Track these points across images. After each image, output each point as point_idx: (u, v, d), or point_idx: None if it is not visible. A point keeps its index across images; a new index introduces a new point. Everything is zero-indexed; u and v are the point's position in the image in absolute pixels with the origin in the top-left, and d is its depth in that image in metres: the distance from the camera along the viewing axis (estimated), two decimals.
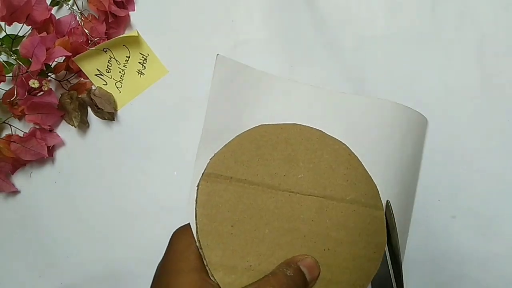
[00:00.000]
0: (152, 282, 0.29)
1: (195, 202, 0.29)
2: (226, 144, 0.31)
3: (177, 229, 0.30)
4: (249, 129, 0.31)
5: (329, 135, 0.31)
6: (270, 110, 0.31)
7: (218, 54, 0.30)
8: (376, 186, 0.31)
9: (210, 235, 0.29)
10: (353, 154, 0.31)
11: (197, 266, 0.28)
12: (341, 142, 0.31)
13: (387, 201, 0.31)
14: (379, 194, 0.31)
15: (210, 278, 0.28)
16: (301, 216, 0.30)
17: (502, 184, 0.43)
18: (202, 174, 0.31)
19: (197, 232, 0.29)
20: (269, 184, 0.30)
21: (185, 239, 0.29)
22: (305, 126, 0.31)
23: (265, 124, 0.31)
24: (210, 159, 0.31)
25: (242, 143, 0.31)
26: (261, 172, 0.30)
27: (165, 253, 0.29)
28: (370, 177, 0.31)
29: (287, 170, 0.30)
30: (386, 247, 0.31)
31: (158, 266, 0.29)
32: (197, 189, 0.30)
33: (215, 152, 0.31)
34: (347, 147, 0.31)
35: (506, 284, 0.41)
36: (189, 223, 0.29)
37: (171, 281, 0.27)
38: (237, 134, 0.31)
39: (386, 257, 0.31)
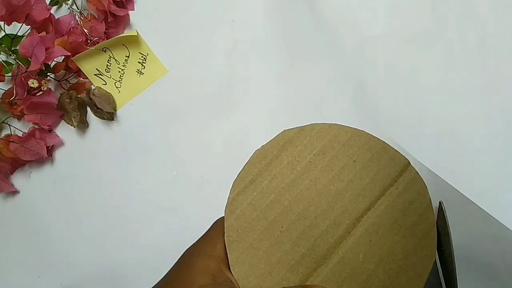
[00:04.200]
0: (182, 254, 0.30)
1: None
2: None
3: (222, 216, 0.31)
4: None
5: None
6: None
7: None
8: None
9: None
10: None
11: (220, 255, 0.29)
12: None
13: (439, 202, 0.30)
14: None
15: (229, 271, 0.28)
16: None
17: (502, 184, 0.43)
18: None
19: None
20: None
21: (222, 226, 0.30)
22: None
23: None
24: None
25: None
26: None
27: (204, 233, 0.30)
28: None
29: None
30: (437, 255, 0.29)
31: (194, 243, 0.30)
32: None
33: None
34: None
35: (506, 284, 0.41)
36: None
37: (191, 260, 0.28)
38: None
39: (437, 266, 0.30)
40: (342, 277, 0.28)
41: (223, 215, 0.30)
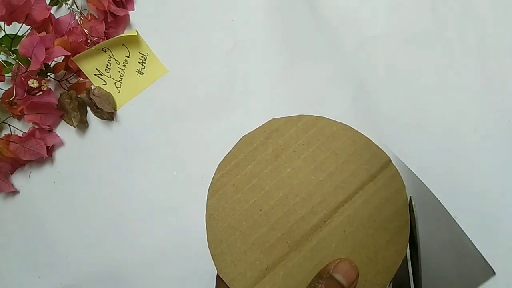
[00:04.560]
0: None
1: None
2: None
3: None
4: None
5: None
6: None
7: None
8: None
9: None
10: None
11: None
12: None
13: (410, 197, 0.30)
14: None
15: None
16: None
17: (502, 184, 0.43)
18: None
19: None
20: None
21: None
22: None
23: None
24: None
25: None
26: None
27: None
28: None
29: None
30: (408, 249, 0.30)
31: None
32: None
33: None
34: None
35: (506, 284, 0.41)
36: None
37: None
38: None
39: (406, 259, 0.30)
40: (314, 264, 0.29)
41: None
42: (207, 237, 0.30)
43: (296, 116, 0.32)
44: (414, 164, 0.43)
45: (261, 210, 0.30)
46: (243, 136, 0.32)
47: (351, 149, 0.31)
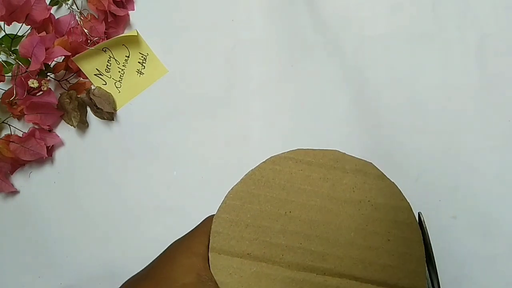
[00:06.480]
0: (166, 248, 0.30)
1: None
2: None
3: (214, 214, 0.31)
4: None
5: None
6: None
7: None
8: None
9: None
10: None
11: (206, 253, 0.28)
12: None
13: (418, 213, 0.29)
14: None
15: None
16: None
17: (502, 184, 0.43)
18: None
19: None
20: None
21: (210, 224, 0.30)
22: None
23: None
24: (331, 149, 0.31)
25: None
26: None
27: (192, 229, 0.30)
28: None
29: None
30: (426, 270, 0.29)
31: (180, 238, 0.30)
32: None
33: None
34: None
35: (506, 284, 0.41)
36: None
37: (175, 256, 0.28)
38: None
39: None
40: None
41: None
42: (234, 185, 0.30)
43: (391, 180, 0.30)
44: (414, 164, 0.44)
45: (290, 212, 0.29)
46: (336, 150, 0.31)
47: (402, 250, 0.29)
